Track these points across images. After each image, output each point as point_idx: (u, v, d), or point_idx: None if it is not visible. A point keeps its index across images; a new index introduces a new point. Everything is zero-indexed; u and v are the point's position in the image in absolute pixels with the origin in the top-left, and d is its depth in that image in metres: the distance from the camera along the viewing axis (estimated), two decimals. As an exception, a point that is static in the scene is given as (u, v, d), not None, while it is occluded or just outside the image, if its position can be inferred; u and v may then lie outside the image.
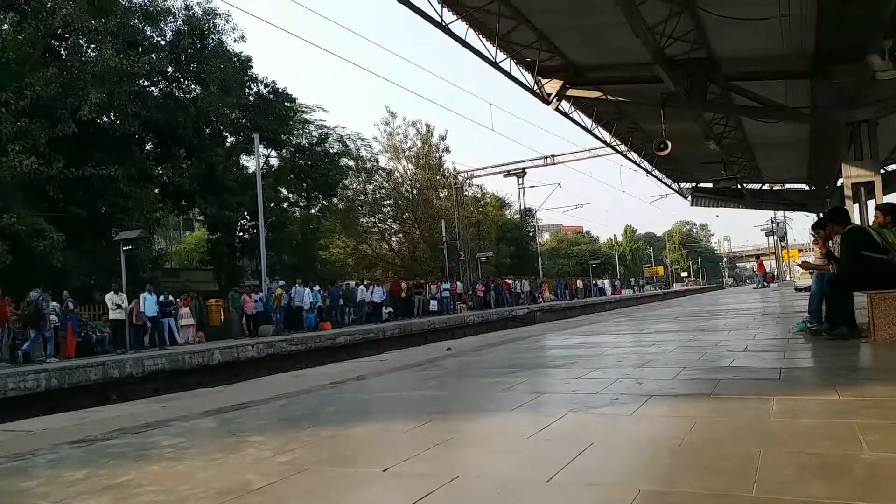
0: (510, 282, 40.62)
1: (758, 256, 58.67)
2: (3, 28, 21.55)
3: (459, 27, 13.81)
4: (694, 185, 34.64)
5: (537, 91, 17.00)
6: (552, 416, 3.68)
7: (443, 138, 47.36)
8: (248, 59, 31.20)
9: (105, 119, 24.85)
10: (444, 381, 5.82)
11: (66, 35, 23.94)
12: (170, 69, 27.49)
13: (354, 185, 44.64)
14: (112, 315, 17.63)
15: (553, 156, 49.38)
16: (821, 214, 18.32)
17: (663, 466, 2.68)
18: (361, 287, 27.85)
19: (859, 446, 2.63)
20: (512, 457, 2.97)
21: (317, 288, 24.84)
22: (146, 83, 26.53)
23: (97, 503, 2.62)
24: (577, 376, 5.28)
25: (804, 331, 7.34)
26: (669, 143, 16.73)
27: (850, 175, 16.76)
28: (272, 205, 30.98)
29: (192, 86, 28.64)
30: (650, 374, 5.10)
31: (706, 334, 8.72)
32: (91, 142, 23.39)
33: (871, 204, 15.57)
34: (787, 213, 50.53)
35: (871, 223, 7.86)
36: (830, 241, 7.36)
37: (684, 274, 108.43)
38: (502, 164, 53.11)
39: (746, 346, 6.77)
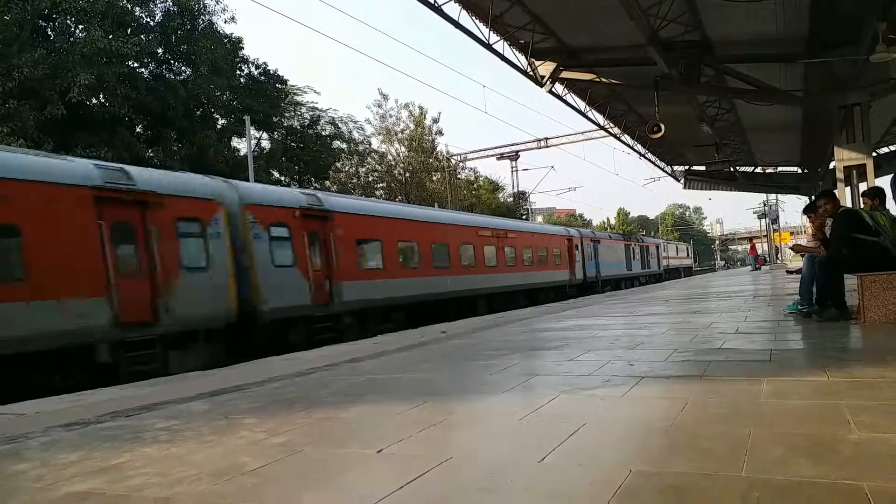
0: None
1: (751, 239, 58.87)
2: (-10, 8, 21.30)
3: (452, 8, 13.71)
4: (687, 167, 34.67)
5: (531, 73, 16.92)
6: (544, 398, 3.70)
7: (436, 121, 47.19)
8: (239, 40, 30.92)
9: (94, 101, 24.62)
10: (437, 363, 5.85)
11: (54, 15, 23.65)
12: (159, 50, 27.23)
13: (347, 168, 44.45)
14: None
15: (546, 139, 49.16)
16: (812, 197, 18.40)
17: (654, 447, 2.70)
18: None
19: (848, 427, 2.66)
20: (504, 438, 2.99)
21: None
22: (136, 65, 26.26)
23: (91, 485, 2.62)
24: (570, 358, 5.31)
25: (795, 313, 7.40)
26: (663, 126, 16.71)
27: (843, 158, 16.81)
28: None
29: (183, 67, 28.36)
30: (642, 356, 5.14)
31: (698, 317, 8.77)
32: (80, 124, 23.19)
33: (863, 186, 15.62)
34: (780, 196, 50.63)
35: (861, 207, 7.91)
36: (825, 227, 7.40)
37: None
38: (496, 147, 52.86)
39: (737, 328, 6.81)
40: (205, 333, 11.18)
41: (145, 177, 11.01)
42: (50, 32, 24.35)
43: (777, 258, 52.74)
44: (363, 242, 15.90)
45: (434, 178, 47.80)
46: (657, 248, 48.74)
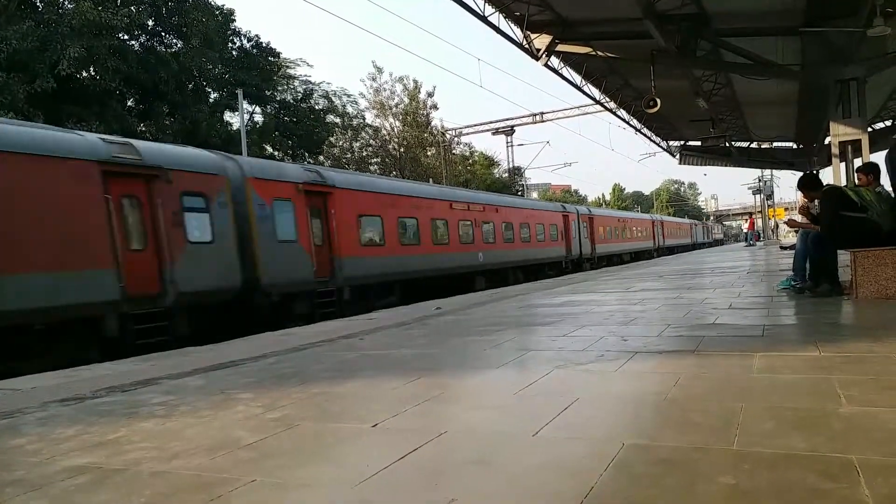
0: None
1: (751, 214, 59.01)
2: (-25, -22, 20.89)
3: (447, -20, 13.50)
4: (682, 143, 34.61)
5: (526, 46, 16.76)
6: (538, 373, 3.73)
7: (430, 95, 46.79)
8: (231, 12, 30.53)
9: (85, 74, 24.29)
10: (432, 339, 5.87)
11: (42, -14, 23.22)
12: (150, 22, 26.80)
13: (341, 143, 44.16)
14: None
15: (542, 113, 48.70)
16: (805, 173, 18.35)
17: (647, 421, 2.73)
18: None
19: (838, 401, 2.69)
20: (499, 412, 3.02)
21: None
22: (126, 37, 25.87)
23: (88, 460, 2.64)
24: (564, 334, 5.34)
25: (788, 288, 7.45)
26: (659, 101, 16.62)
27: (838, 133, 16.76)
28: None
29: (174, 40, 27.97)
30: (635, 332, 5.17)
31: (691, 292, 8.81)
32: (70, 97, 22.91)
33: (858, 162, 15.60)
34: (775, 172, 50.55)
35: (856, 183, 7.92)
36: (810, 205, 7.43)
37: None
38: (491, 122, 52.31)
39: (731, 303, 6.85)
40: None
41: None
42: (38, 4, 23.92)
43: (773, 234, 52.90)
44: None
45: (429, 153, 47.56)
46: (709, 227, 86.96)
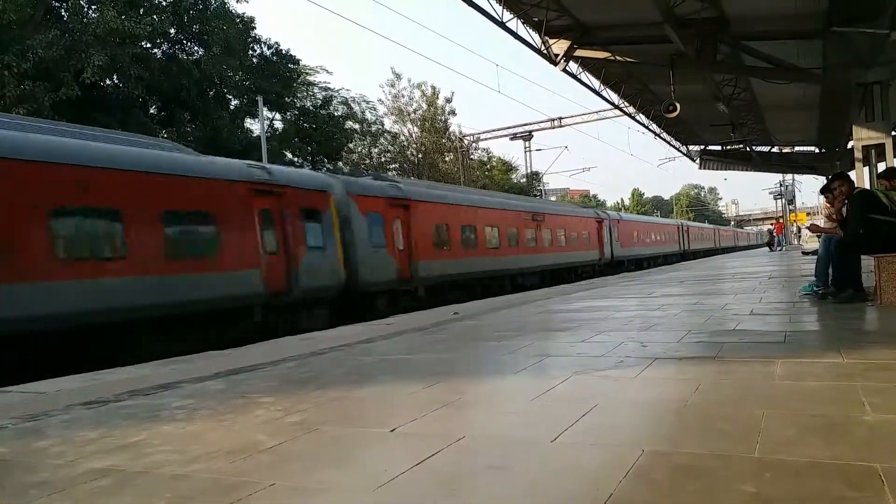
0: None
1: (778, 219, 58.45)
2: (3, -12, 21.31)
3: (465, -15, 13.51)
4: (702, 147, 34.26)
5: (544, 52, 16.73)
6: (557, 379, 3.71)
7: (448, 100, 46.96)
8: (251, 20, 30.83)
9: (108, 82, 24.70)
10: (450, 344, 5.87)
11: (67, -4, 23.66)
12: (172, 31, 27.17)
13: (359, 149, 44.39)
14: None
15: (560, 118, 48.56)
16: (829, 177, 18.03)
17: (667, 428, 2.71)
18: None
19: (862, 408, 2.65)
20: (517, 418, 3.01)
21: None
22: (149, 45, 26.25)
23: (111, 462, 2.67)
24: (582, 339, 5.32)
25: (810, 294, 7.36)
26: (678, 105, 16.50)
27: (861, 137, 16.51)
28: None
29: (196, 48, 28.33)
30: (655, 338, 5.13)
31: (712, 298, 8.73)
32: (95, 105, 23.29)
33: (882, 166, 15.36)
34: (796, 176, 49.94)
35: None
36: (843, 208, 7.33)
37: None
38: (509, 127, 52.22)
39: (752, 309, 6.77)
40: None
41: None
42: (63, 13, 24.37)
43: (795, 239, 52.28)
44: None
45: (447, 158, 47.65)
46: (759, 233, 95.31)
